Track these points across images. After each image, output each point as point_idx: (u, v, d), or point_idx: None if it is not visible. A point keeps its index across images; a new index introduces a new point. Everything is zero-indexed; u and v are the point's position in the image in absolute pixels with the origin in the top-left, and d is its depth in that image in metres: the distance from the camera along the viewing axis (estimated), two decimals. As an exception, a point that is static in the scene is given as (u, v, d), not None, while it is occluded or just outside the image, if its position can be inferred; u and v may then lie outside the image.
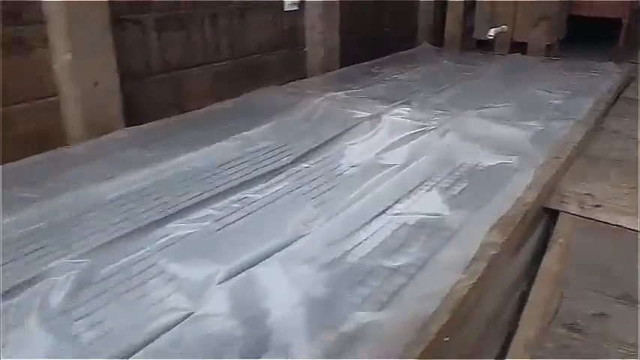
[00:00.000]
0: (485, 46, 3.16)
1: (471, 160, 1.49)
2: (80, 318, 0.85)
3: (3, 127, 1.53)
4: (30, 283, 0.92)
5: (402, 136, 1.65)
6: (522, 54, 3.03)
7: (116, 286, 0.92)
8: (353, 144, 1.61)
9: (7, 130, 1.54)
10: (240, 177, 1.36)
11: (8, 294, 0.89)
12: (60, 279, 0.93)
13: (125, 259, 0.99)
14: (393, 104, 1.94)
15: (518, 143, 1.58)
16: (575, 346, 1.44)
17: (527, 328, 1.43)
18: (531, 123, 1.74)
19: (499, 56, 3.03)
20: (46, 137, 1.62)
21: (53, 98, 1.63)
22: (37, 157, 1.50)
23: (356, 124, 1.74)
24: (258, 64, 2.29)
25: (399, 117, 1.80)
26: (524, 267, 1.40)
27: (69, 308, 0.87)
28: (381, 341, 0.80)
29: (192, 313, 0.85)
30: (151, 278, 0.94)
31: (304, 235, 1.08)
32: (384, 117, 1.78)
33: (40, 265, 0.97)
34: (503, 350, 1.41)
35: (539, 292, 1.45)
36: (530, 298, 1.46)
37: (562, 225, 1.47)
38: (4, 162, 1.45)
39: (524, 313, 1.43)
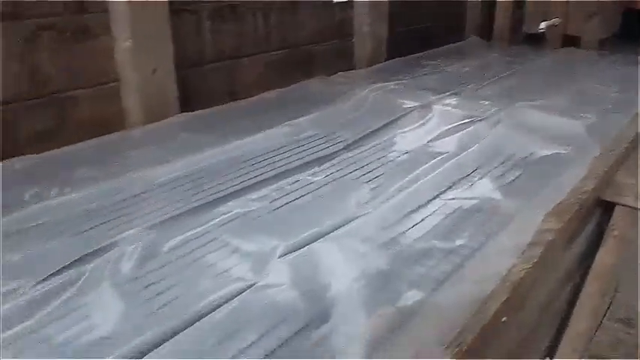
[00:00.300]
0: (534, 40, 3.10)
1: (524, 150, 1.47)
2: (149, 285, 0.89)
3: (68, 111, 1.61)
4: (101, 251, 0.97)
5: (453, 125, 1.65)
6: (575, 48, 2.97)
7: (181, 257, 0.97)
8: (403, 132, 1.62)
9: (72, 113, 1.62)
10: (293, 161, 1.39)
11: (82, 260, 0.94)
12: (129, 249, 0.97)
13: (188, 234, 1.04)
14: (443, 95, 1.93)
15: (573, 134, 1.56)
16: (630, 341, 1.41)
17: (581, 321, 1.41)
18: (586, 115, 1.71)
19: (550, 50, 2.97)
20: (107, 121, 1.69)
21: (114, 84, 1.70)
22: (98, 140, 1.57)
23: (406, 114, 1.75)
24: (308, 54, 2.31)
25: (449, 107, 1.80)
26: (578, 259, 1.39)
27: (138, 276, 0.91)
28: (439, 318, 0.81)
29: (255, 283, 0.88)
30: (214, 251, 0.98)
31: (359, 217, 1.10)
32: (434, 107, 1.79)
33: (109, 236, 1.02)
34: (555, 342, 1.40)
35: (592, 285, 1.43)
36: (583, 291, 1.44)
37: (618, 217, 1.44)
38: (69, 143, 1.52)
39: (578, 305, 1.41)
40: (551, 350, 1.40)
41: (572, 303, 1.43)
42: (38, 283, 0.88)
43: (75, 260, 0.94)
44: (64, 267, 0.92)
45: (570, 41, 3.01)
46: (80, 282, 0.89)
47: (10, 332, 0.77)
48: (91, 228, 1.07)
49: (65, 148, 1.49)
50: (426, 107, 1.79)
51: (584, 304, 1.42)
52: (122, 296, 0.86)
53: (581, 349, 1.42)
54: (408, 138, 1.57)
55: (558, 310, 1.35)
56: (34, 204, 1.16)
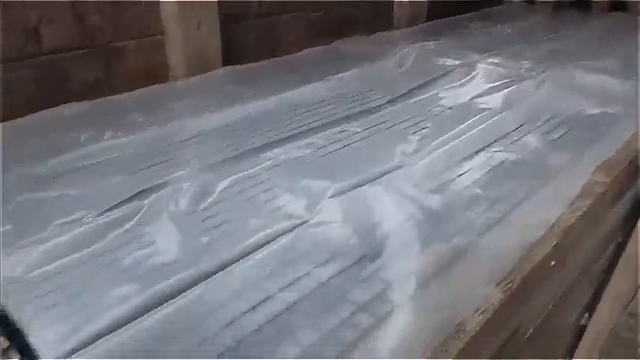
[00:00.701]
0: (580, 4, 3.00)
1: (571, 109, 1.45)
2: (204, 219, 0.92)
3: (115, 62, 1.64)
4: (157, 188, 1.00)
5: (497, 83, 1.63)
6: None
7: (233, 196, 0.99)
8: (447, 89, 1.60)
9: (118, 65, 1.65)
10: (338, 113, 1.40)
11: (139, 196, 0.98)
12: (183, 187, 1.00)
13: (238, 175, 1.06)
14: (486, 54, 1.90)
15: (622, 94, 1.52)
16: (671, 301, 1.40)
17: (621, 280, 1.41)
18: (635, 77, 1.67)
19: (597, 14, 2.88)
20: (152, 73, 1.72)
21: (160, 37, 1.72)
22: (144, 90, 1.60)
23: (449, 72, 1.73)
24: (348, 14, 2.29)
25: (492, 66, 1.78)
26: (622, 218, 1.37)
27: (193, 211, 0.94)
28: (488, 259, 0.83)
29: (307, 221, 0.90)
30: (265, 191, 1.01)
31: (406, 165, 1.11)
32: (478, 65, 1.76)
33: (163, 175, 1.05)
34: (594, 299, 1.40)
35: (635, 246, 1.42)
36: (625, 252, 1.43)
37: (666, 179, 1.42)
38: (116, 93, 1.56)
39: (619, 265, 1.41)
40: (591, 307, 1.40)
41: (613, 263, 1.42)
42: (99, 214, 0.92)
43: (132, 195, 0.98)
44: (122, 201, 0.96)
45: (618, 6, 2.91)
46: (139, 215, 0.93)
47: (76, 255, 0.82)
48: (144, 168, 1.10)
49: (113, 97, 1.52)
50: (469, 66, 1.77)
51: (626, 264, 1.42)
52: (179, 228, 0.89)
53: (619, 309, 1.43)
54: (451, 94, 1.56)
55: (600, 267, 1.35)
56: (90, 145, 1.20)
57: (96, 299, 0.72)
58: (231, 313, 0.69)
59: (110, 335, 0.66)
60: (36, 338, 0.65)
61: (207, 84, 1.65)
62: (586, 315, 1.39)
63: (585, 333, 1.43)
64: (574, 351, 1.46)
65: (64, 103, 1.45)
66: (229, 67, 1.78)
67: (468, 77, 1.69)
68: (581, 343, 1.39)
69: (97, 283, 0.76)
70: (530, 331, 0.98)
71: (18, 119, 1.33)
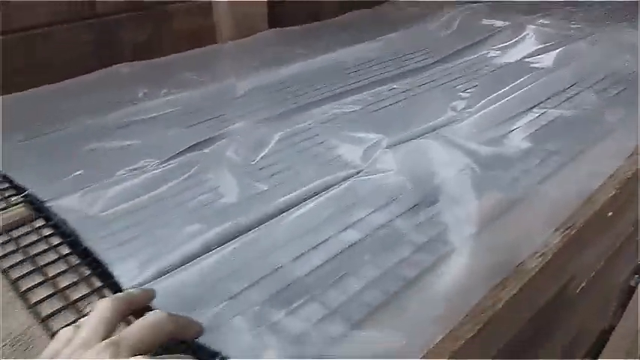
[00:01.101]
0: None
1: (627, 68, 1.41)
2: (261, 168, 0.95)
3: (166, 25, 1.68)
4: (215, 139, 1.04)
5: (548, 44, 1.59)
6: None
7: (289, 147, 1.02)
8: (496, 49, 1.58)
9: (168, 26, 1.69)
10: (386, 72, 1.41)
11: (198, 146, 1.01)
12: (239, 139, 1.04)
13: (292, 129, 1.08)
14: (535, 16, 1.86)
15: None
16: None
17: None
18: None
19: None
20: (200, 35, 1.75)
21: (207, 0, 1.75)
22: (193, 51, 1.63)
23: (497, 33, 1.71)
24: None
25: (542, 27, 1.74)
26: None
27: (251, 160, 0.97)
28: (546, 206, 0.83)
29: (362, 170, 0.92)
30: (319, 143, 1.03)
31: (458, 120, 1.11)
32: (527, 26, 1.73)
33: (220, 128, 1.09)
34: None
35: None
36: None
37: None
38: (167, 54, 1.60)
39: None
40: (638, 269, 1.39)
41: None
42: (162, 162, 0.96)
43: (192, 146, 1.01)
44: (182, 151, 1.00)
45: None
46: (199, 164, 0.96)
47: (144, 197, 0.86)
48: (201, 122, 1.14)
49: (165, 57, 1.56)
50: (518, 26, 1.73)
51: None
52: (238, 176, 0.92)
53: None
54: (501, 54, 1.54)
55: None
56: (147, 101, 1.24)
57: (165, 236, 0.76)
58: (295, 250, 0.72)
59: (182, 267, 0.69)
60: (114, 269, 0.69)
61: (255, 45, 1.67)
62: (636, 276, 1.38)
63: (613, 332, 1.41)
64: (621, 314, 1.46)
65: (117, 64, 1.50)
66: (276, 29, 1.80)
67: (518, 38, 1.66)
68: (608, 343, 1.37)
69: (165, 222, 0.80)
70: (583, 284, 0.99)
71: (78, 77, 1.38)
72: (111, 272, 0.69)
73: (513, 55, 1.52)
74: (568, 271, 0.87)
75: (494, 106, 1.18)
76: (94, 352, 0.43)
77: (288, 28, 1.82)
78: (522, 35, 1.67)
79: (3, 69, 1.45)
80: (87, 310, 0.65)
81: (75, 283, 0.69)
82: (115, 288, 0.67)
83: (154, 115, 1.17)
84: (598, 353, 1.32)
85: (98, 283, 0.69)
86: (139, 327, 0.46)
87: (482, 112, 1.15)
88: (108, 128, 1.11)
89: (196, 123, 1.13)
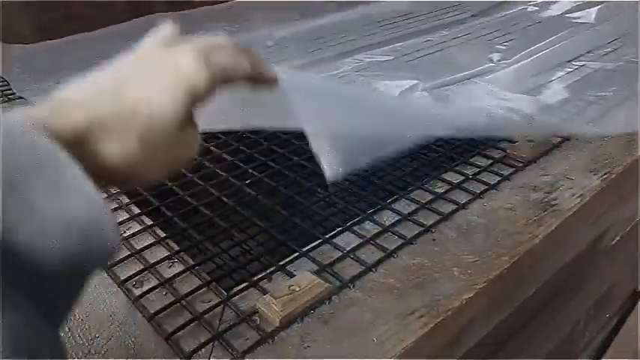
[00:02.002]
0: None
1: (671, 23, 1.36)
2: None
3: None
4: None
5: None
6: None
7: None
8: (535, 4, 1.53)
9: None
10: (422, 24, 1.38)
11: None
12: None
13: (327, 74, 1.08)
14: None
15: None
16: None
17: None
18: None
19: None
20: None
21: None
22: (227, 3, 1.62)
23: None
24: None
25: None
26: None
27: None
28: (587, 150, 0.81)
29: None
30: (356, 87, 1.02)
31: (495, 70, 1.09)
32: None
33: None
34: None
35: None
36: None
37: None
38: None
39: None
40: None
41: None
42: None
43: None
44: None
45: None
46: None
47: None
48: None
49: (196, 9, 1.56)
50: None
51: None
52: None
53: None
54: (540, 9, 1.49)
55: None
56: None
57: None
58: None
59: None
60: (152, 197, 0.70)
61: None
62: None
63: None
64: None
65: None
66: (308, -17, 1.77)
67: (558, -8, 1.60)
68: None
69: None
70: (618, 237, 0.97)
71: (113, 26, 1.39)
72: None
73: (553, 11, 1.47)
74: (604, 220, 0.86)
75: (532, 57, 1.15)
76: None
77: (320, -19, 1.79)
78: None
79: (40, 18, 1.47)
80: (127, 234, 0.66)
81: (115, 210, 0.71)
82: (155, 214, 0.69)
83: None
84: (627, 314, 1.30)
85: (136, 210, 0.71)
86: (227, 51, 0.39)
87: (521, 63, 1.12)
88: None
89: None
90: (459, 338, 0.58)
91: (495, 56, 1.16)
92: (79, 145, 0.31)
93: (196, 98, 0.35)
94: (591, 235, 0.84)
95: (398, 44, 1.25)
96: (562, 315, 0.94)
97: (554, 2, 1.54)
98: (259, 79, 0.41)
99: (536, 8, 1.50)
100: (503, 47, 1.22)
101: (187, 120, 0.36)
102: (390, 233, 0.64)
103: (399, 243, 0.62)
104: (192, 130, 0.37)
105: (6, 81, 1.11)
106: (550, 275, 0.76)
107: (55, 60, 1.19)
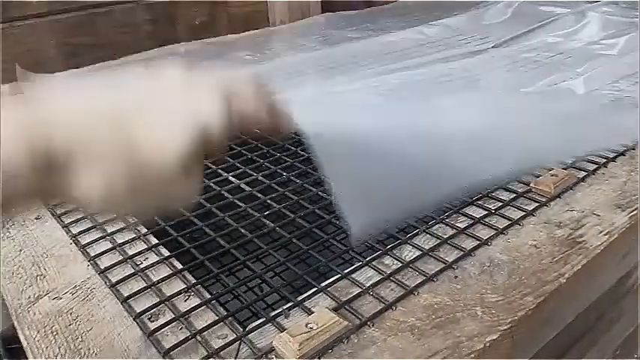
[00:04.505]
0: None
1: (699, 56, 1.33)
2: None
3: (220, 8, 1.71)
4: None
5: (612, 31, 1.52)
6: None
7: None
8: (557, 35, 1.52)
9: (223, 9, 1.72)
10: (444, 53, 1.38)
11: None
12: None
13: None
14: (597, 3, 1.78)
15: None
16: None
17: None
18: None
19: None
20: (253, 19, 1.77)
21: (262, -16, 1.77)
22: (250, 32, 1.65)
23: (557, 19, 1.64)
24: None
25: (606, 15, 1.66)
26: None
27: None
28: (614, 185, 0.79)
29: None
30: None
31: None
32: (589, 13, 1.65)
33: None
34: None
35: None
36: None
37: None
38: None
39: None
40: None
41: None
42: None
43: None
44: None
45: None
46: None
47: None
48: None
49: (221, 38, 1.58)
50: (580, 14, 1.66)
51: None
52: (293, 147, 0.92)
53: None
54: (562, 40, 1.48)
55: None
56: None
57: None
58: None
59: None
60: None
61: (307, 28, 1.68)
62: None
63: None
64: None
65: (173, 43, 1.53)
66: (328, 14, 1.79)
67: (580, 25, 1.59)
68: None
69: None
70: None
71: (138, 54, 1.41)
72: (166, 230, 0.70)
73: (574, 42, 1.46)
74: (630, 259, 0.83)
75: (557, 86, 1.14)
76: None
77: (340, 12, 1.81)
78: (584, 22, 1.60)
79: (67, 44, 1.51)
80: (143, 264, 0.66)
81: (133, 239, 0.71)
82: (172, 245, 0.68)
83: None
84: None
85: (154, 240, 0.70)
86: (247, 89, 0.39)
87: (548, 90, 1.11)
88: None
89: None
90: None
91: (520, 84, 1.16)
92: (52, 167, 0.30)
93: (207, 146, 0.34)
94: (617, 275, 0.81)
95: (421, 70, 1.25)
96: (587, 357, 0.91)
97: (576, 33, 1.53)
98: (275, 130, 0.40)
99: (560, 39, 1.49)
100: (528, 75, 1.21)
101: (191, 165, 0.34)
102: (410, 269, 0.63)
103: (420, 280, 0.61)
104: (193, 175, 0.36)
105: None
106: (575, 316, 0.74)
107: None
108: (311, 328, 0.52)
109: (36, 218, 0.77)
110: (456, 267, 0.63)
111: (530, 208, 0.73)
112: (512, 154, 0.71)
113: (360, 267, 0.63)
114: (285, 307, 0.57)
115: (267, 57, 1.38)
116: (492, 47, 1.45)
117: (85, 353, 0.54)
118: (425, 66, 1.26)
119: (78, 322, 0.58)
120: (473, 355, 0.51)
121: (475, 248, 0.66)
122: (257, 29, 1.72)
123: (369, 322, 0.55)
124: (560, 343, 0.75)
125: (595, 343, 0.90)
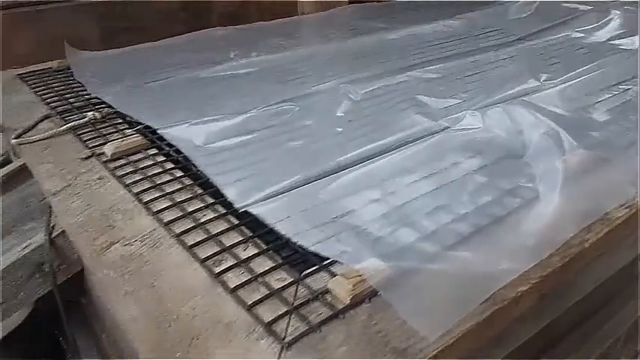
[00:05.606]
0: None
1: None
2: (351, 120, 1.00)
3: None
4: (306, 96, 1.10)
5: (635, 27, 1.57)
6: None
7: (376, 105, 1.07)
8: (579, 30, 1.57)
9: (253, 2, 1.79)
10: (468, 47, 1.43)
11: (291, 100, 1.07)
12: (327, 95, 1.10)
13: (378, 88, 1.14)
14: (619, 1, 1.82)
15: None
16: None
17: None
18: None
19: None
20: (282, 9, 1.83)
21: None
22: (281, 20, 1.71)
23: (580, 15, 1.69)
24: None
25: (629, 12, 1.70)
26: None
27: (341, 113, 1.03)
28: (632, 168, 0.84)
29: (449, 127, 0.96)
30: (404, 101, 1.07)
31: (541, 90, 1.13)
32: (613, 11, 1.70)
33: (310, 86, 1.15)
34: None
35: None
36: None
37: None
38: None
39: None
40: None
41: None
42: (260, 109, 1.03)
43: (286, 99, 1.08)
44: (278, 102, 1.06)
45: None
46: (293, 112, 1.03)
47: (247, 136, 0.93)
48: (292, 79, 1.21)
49: (250, 25, 1.64)
50: (604, 11, 1.71)
51: None
52: (330, 124, 0.98)
53: None
54: (585, 36, 1.53)
55: None
56: (240, 60, 1.32)
57: (267, 168, 0.83)
58: (393, 186, 0.77)
59: (280, 196, 0.76)
60: (224, 191, 0.77)
61: (335, 17, 1.73)
62: None
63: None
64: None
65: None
66: (355, 5, 1.85)
67: (602, 21, 1.64)
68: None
69: (264, 156, 0.87)
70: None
71: (173, 37, 1.47)
72: (222, 192, 0.76)
73: (597, 38, 1.50)
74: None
75: (577, 80, 1.19)
76: None
77: (366, 3, 1.87)
78: (607, 19, 1.64)
79: (104, 28, 1.59)
80: (202, 220, 0.72)
81: (190, 199, 0.77)
82: (227, 205, 0.75)
83: (248, 71, 1.25)
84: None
85: (210, 200, 0.77)
86: None
87: (566, 84, 1.16)
88: (205, 79, 1.20)
89: (287, 80, 1.20)
90: (513, 329, 0.62)
91: (542, 77, 1.20)
92: None
93: None
94: (632, 254, 0.87)
95: (445, 63, 1.30)
96: (605, 329, 0.96)
97: (599, 29, 1.58)
98: None
99: (581, 35, 1.53)
100: (549, 69, 1.26)
101: None
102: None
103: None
104: None
105: (81, 84, 1.20)
106: (594, 286, 0.80)
107: (120, 66, 1.28)
108: (362, 274, 0.58)
109: (98, 179, 0.83)
110: (488, 230, 0.69)
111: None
112: None
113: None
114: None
115: (298, 44, 1.44)
116: (518, 40, 1.50)
117: (158, 291, 0.60)
118: (447, 60, 1.31)
119: (150, 265, 0.64)
120: (506, 302, 0.58)
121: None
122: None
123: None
124: (581, 310, 0.81)
125: (611, 317, 0.96)
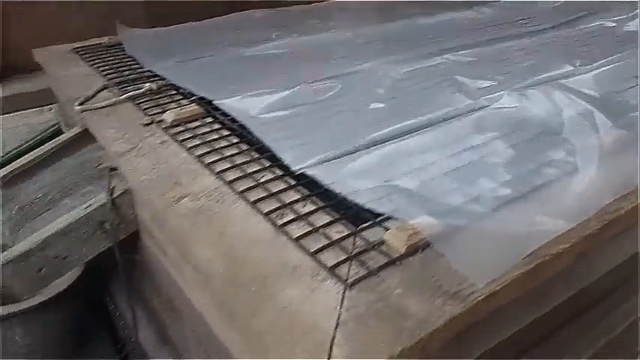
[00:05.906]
0: None
1: None
2: (393, 97, 1.05)
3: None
4: (348, 74, 1.15)
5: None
6: None
7: (416, 83, 1.12)
8: (611, 20, 1.60)
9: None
10: (503, 33, 1.47)
11: (334, 77, 1.13)
12: (370, 73, 1.15)
13: (417, 68, 1.18)
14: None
15: None
16: None
17: None
18: None
19: None
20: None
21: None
22: (318, 4, 1.76)
23: (611, 7, 1.71)
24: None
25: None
26: None
27: (383, 89, 1.08)
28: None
29: (488, 105, 1.01)
30: (443, 81, 1.12)
31: (575, 75, 1.16)
32: (644, 2, 1.72)
33: (352, 65, 1.20)
34: None
35: None
36: None
37: None
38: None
39: None
40: None
41: None
42: (305, 85, 1.08)
43: (330, 77, 1.13)
44: (321, 79, 1.12)
45: None
46: (337, 88, 1.08)
47: (296, 108, 0.99)
48: (333, 59, 1.26)
49: (292, 7, 1.70)
50: (633, 2, 1.73)
51: None
52: (374, 99, 1.03)
53: None
54: (617, 25, 1.55)
55: None
56: (279, 40, 1.37)
57: (319, 136, 0.89)
58: (442, 154, 0.83)
59: (332, 161, 0.81)
60: (281, 155, 0.82)
61: (372, 3, 1.77)
62: None
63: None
64: None
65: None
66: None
67: (631, 14, 1.66)
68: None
69: (314, 126, 0.93)
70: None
71: (215, 18, 1.53)
72: (279, 156, 0.82)
73: (631, 27, 1.53)
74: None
75: (611, 66, 1.22)
76: None
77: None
78: (637, 12, 1.67)
79: (150, 9, 1.65)
80: (262, 180, 0.78)
81: (248, 162, 0.83)
82: (283, 168, 0.81)
83: (290, 50, 1.31)
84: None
85: (267, 163, 0.83)
86: None
87: (600, 70, 1.20)
88: (249, 57, 1.26)
89: (328, 60, 1.25)
90: (553, 285, 0.67)
91: (576, 63, 1.24)
92: None
93: None
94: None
95: (482, 47, 1.34)
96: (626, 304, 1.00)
97: (632, 19, 1.60)
98: None
99: (614, 24, 1.56)
100: (583, 56, 1.30)
101: None
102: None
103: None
104: None
105: (133, 58, 1.26)
106: (625, 258, 0.84)
107: (168, 43, 1.35)
108: (416, 228, 0.64)
109: (161, 143, 0.90)
110: (529, 196, 0.74)
111: (592, 157, 0.83)
112: None
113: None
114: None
115: (336, 26, 1.49)
116: (552, 27, 1.53)
117: (228, 238, 0.66)
118: (484, 44, 1.35)
119: (218, 217, 0.70)
120: (547, 257, 0.63)
121: (545, 184, 0.77)
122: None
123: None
124: (606, 285, 0.86)
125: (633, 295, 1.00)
